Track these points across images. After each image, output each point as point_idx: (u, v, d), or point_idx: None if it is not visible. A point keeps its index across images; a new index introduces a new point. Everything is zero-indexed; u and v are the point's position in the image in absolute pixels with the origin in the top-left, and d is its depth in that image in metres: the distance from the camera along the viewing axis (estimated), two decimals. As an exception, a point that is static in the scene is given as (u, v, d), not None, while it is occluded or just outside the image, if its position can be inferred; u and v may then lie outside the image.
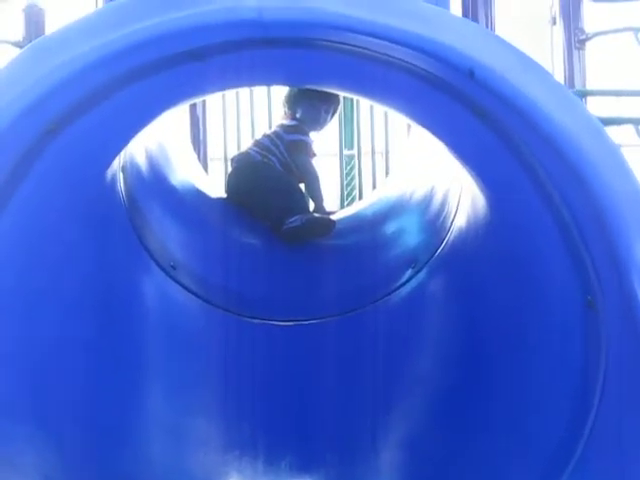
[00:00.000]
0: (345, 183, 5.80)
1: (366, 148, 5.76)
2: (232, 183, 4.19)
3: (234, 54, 2.31)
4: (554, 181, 2.27)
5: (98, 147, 2.69)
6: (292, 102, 4.27)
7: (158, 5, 2.11)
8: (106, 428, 2.83)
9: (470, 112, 2.34)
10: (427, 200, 3.70)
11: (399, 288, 3.62)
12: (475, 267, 3.20)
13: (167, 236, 3.63)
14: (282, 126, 4.30)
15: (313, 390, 3.39)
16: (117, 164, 3.10)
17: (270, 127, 4.79)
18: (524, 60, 2.18)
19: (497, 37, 2.31)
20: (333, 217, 4.14)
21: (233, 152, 4.98)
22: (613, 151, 2.16)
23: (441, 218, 3.50)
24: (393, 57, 2.22)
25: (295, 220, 3.88)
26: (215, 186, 4.41)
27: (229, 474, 3.19)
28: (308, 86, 3.51)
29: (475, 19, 3.77)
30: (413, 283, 3.58)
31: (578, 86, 4.50)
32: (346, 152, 5.85)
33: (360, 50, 2.23)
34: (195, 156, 4.73)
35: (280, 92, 4.47)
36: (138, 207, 3.42)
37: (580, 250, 2.27)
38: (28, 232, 2.47)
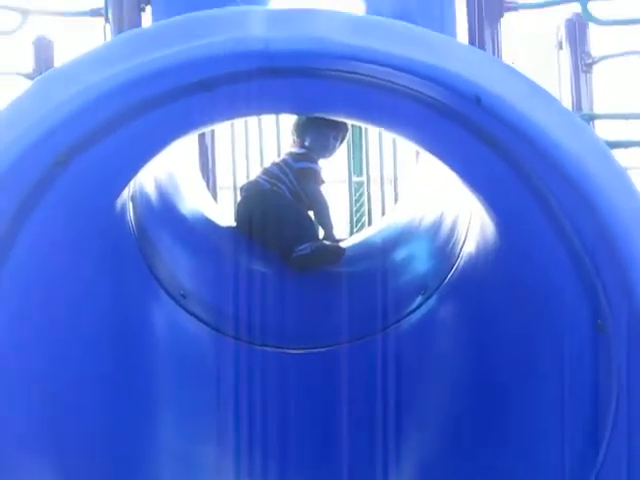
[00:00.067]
0: (354, 210, 5.80)
1: (375, 175, 5.77)
2: (241, 211, 4.20)
3: (242, 84, 2.33)
4: (562, 206, 2.28)
5: (108, 177, 2.70)
6: (300, 130, 4.28)
7: (165, 37, 2.13)
8: (119, 457, 2.83)
9: (478, 139, 2.34)
10: (436, 226, 3.70)
11: (409, 315, 3.61)
12: (485, 293, 3.20)
13: (177, 265, 3.63)
14: (291, 154, 4.31)
15: (324, 418, 3.39)
16: (126, 194, 3.11)
17: (279, 155, 4.80)
18: (531, 86, 2.18)
19: (503, 64, 2.32)
20: (342, 244, 4.14)
21: (242, 181, 5.00)
22: (621, 175, 2.16)
23: (450, 244, 3.51)
24: (399, 85, 2.23)
25: (305, 248, 3.89)
26: (224, 215, 4.43)
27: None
28: (316, 115, 3.53)
29: (482, 45, 3.78)
30: (423, 309, 3.58)
31: (586, 109, 4.50)
32: (355, 179, 5.86)
33: (366, 78, 2.23)
34: (204, 185, 4.74)
35: (288, 120, 4.48)
36: (148, 236, 3.43)
37: (590, 275, 2.27)
38: (40, 262, 2.47)
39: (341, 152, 4.80)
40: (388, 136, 5.52)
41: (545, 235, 2.43)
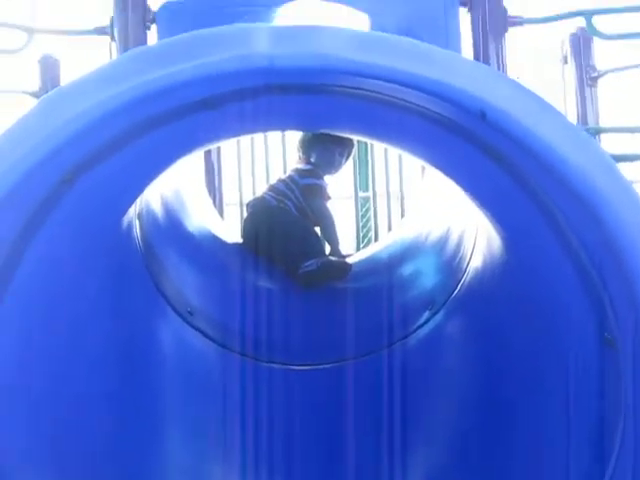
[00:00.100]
0: (360, 226, 5.80)
1: (381, 190, 5.77)
2: (248, 228, 4.21)
3: (248, 101, 2.33)
4: (569, 221, 2.27)
5: (114, 195, 2.70)
6: (306, 146, 4.29)
7: (170, 54, 2.13)
8: (125, 476, 2.83)
9: (484, 154, 2.34)
10: (443, 241, 3.70)
11: (417, 330, 3.61)
12: (492, 308, 3.19)
13: (184, 282, 3.63)
14: (297, 170, 4.31)
15: (331, 434, 3.38)
16: (133, 211, 3.11)
17: (285, 172, 4.81)
18: (536, 101, 2.18)
19: (508, 78, 2.31)
20: (349, 260, 4.15)
21: (248, 197, 5.00)
22: (627, 189, 2.15)
23: (457, 259, 3.50)
24: (404, 100, 2.23)
25: (311, 264, 3.89)
26: (231, 231, 4.43)
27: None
28: (322, 131, 3.53)
29: (486, 60, 3.78)
30: (430, 325, 3.58)
31: (591, 123, 4.50)
32: (361, 195, 5.87)
33: (372, 94, 2.23)
34: (210, 202, 4.75)
35: (294, 137, 4.49)
36: (154, 254, 3.43)
37: (597, 289, 2.26)
38: (46, 282, 2.47)
39: (347, 168, 4.80)
40: (394, 152, 5.52)
41: (551, 249, 2.43)
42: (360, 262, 4.15)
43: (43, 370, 2.51)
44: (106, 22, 3.93)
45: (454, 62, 2.21)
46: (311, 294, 3.89)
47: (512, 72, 3.96)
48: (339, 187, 5.14)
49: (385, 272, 3.99)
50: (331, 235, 4.26)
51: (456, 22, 3.76)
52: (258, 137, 5.62)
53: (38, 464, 2.47)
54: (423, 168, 4.59)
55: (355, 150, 4.59)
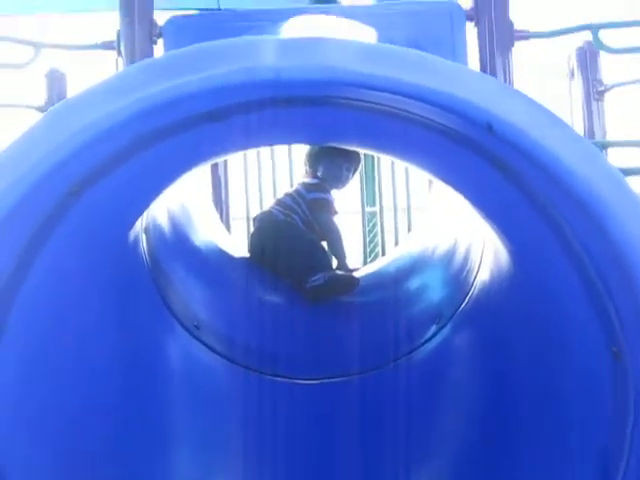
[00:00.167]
0: (367, 240, 5.80)
1: (388, 205, 5.77)
2: (255, 242, 4.21)
3: (254, 114, 2.33)
4: (576, 233, 2.26)
5: (121, 208, 2.70)
6: (313, 160, 4.29)
7: (176, 67, 2.13)
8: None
9: (492, 167, 2.33)
10: (450, 255, 3.70)
11: (424, 344, 3.60)
12: (499, 321, 3.18)
13: (191, 296, 3.63)
14: (304, 184, 4.31)
15: (337, 449, 3.36)
16: (139, 226, 3.11)
17: (292, 186, 4.81)
18: (543, 113, 2.17)
19: (515, 90, 2.31)
20: (356, 274, 4.14)
21: (255, 211, 5.00)
22: (634, 202, 2.15)
23: (464, 272, 3.50)
24: (411, 113, 2.23)
25: (318, 278, 3.88)
26: (238, 246, 4.43)
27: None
28: (328, 144, 3.54)
29: (493, 74, 3.78)
30: (438, 339, 3.56)
31: (598, 137, 4.50)
32: (368, 209, 5.87)
33: (378, 106, 2.23)
34: (217, 216, 4.75)
35: (301, 151, 4.49)
36: (161, 268, 3.43)
37: (604, 301, 2.25)
38: (52, 295, 2.47)
39: (354, 183, 4.81)
40: (400, 166, 5.53)
41: (558, 262, 2.42)
42: (367, 276, 4.15)
43: (48, 381, 2.50)
44: (113, 37, 3.95)
45: (461, 74, 2.21)
46: (318, 308, 3.88)
47: (519, 86, 3.96)
48: (346, 202, 5.13)
49: (392, 286, 3.99)
50: (338, 249, 4.26)
51: (463, 36, 3.77)
52: (265, 151, 5.63)
53: (40, 474, 2.46)
54: (430, 182, 4.59)
55: (362, 165, 4.59)
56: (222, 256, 4.06)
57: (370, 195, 5.93)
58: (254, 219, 4.39)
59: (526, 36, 4.03)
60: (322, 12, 3.86)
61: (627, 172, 4.07)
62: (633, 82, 4.71)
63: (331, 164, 4.26)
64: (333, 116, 2.40)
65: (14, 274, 2.18)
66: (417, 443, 3.28)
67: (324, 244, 4.23)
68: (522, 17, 4.15)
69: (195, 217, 4.00)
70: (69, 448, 2.58)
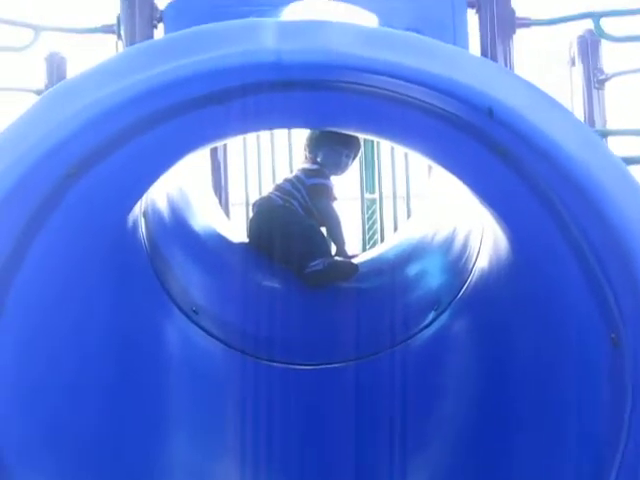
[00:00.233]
0: (367, 227, 5.79)
1: (387, 191, 5.76)
2: (254, 228, 4.20)
3: (254, 97, 2.32)
4: (575, 219, 2.26)
5: (119, 192, 2.70)
6: (313, 146, 4.28)
7: (176, 49, 2.12)
8: (127, 474, 2.82)
9: (491, 152, 2.32)
10: (449, 241, 3.69)
11: (422, 330, 3.60)
12: (498, 308, 3.18)
13: (189, 281, 3.63)
14: (303, 170, 4.31)
15: (333, 435, 3.37)
16: (138, 209, 3.11)
17: (291, 171, 4.80)
18: (544, 98, 2.17)
19: (516, 76, 2.30)
20: (355, 260, 4.13)
21: (254, 197, 5.00)
22: (633, 187, 2.14)
23: (463, 259, 3.49)
24: (411, 97, 2.22)
25: (317, 264, 3.88)
26: (237, 231, 4.42)
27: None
28: (328, 128, 3.53)
29: (494, 60, 3.77)
30: (436, 325, 3.56)
31: (598, 126, 4.49)
32: (367, 196, 5.85)
33: (379, 91, 2.22)
34: (216, 201, 4.74)
35: (301, 136, 4.48)
36: (160, 252, 3.42)
37: (603, 288, 2.25)
38: (50, 277, 2.47)
39: (353, 169, 4.80)
40: (400, 152, 5.52)
41: (558, 249, 2.41)
42: (366, 262, 4.14)
43: (45, 364, 2.51)
44: (113, 20, 3.93)
45: (462, 58, 2.20)
46: (317, 294, 3.88)
47: (519, 74, 3.95)
48: (345, 189, 5.12)
49: (391, 272, 3.99)
50: (337, 235, 4.26)
51: (464, 23, 3.75)
52: (264, 136, 5.62)
53: (36, 460, 2.46)
54: (430, 169, 4.58)
55: (361, 151, 4.59)
56: (221, 241, 4.06)
57: (370, 182, 5.92)
58: (253, 204, 4.39)
59: (527, 24, 4.02)
60: (323, -3, 3.85)
61: (627, 161, 4.05)
62: (634, 71, 4.70)
63: (331, 150, 4.25)
64: (333, 100, 2.40)
65: (12, 256, 2.17)
66: (413, 430, 3.29)
67: (323, 230, 4.23)
68: (523, 4, 4.14)
69: (194, 202, 4.00)
70: (64, 430, 2.59)
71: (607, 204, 2.12)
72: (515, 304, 3.00)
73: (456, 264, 3.55)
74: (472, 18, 3.86)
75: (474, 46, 3.86)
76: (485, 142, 2.29)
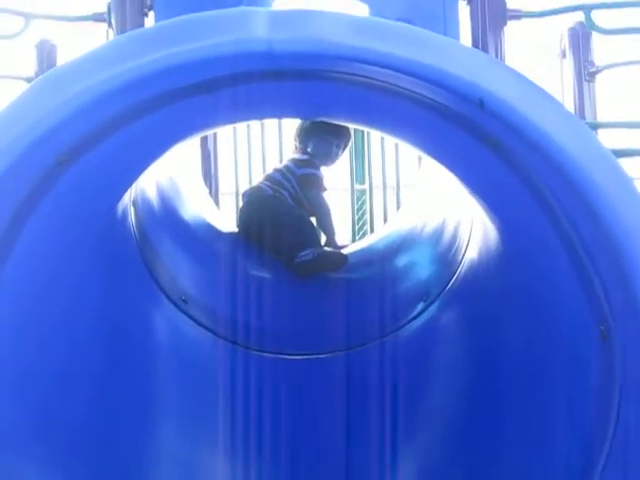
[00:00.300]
0: (356, 217, 5.79)
1: (377, 182, 5.76)
2: (243, 217, 4.20)
3: (244, 86, 2.31)
4: (565, 211, 2.26)
5: (109, 180, 2.69)
6: (303, 136, 4.27)
7: (166, 37, 2.12)
8: (117, 462, 2.82)
9: (482, 143, 2.32)
10: (438, 233, 3.70)
11: (411, 321, 3.60)
12: (487, 300, 3.19)
13: (178, 270, 3.63)
14: (293, 160, 4.30)
15: (322, 425, 3.37)
16: (128, 198, 3.10)
17: (281, 161, 4.80)
18: (535, 90, 2.17)
19: (507, 67, 2.30)
20: (344, 251, 4.13)
21: (244, 187, 4.99)
22: (625, 182, 2.14)
23: (453, 250, 3.49)
24: (402, 87, 2.22)
25: (307, 254, 3.88)
26: (226, 220, 4.42)
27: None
28: (319, 118, 3.52)
29: (485, 52, 3.77)
30: (425, 316, 3.57)
31: (589, 118, 4.49)
32: (357, 187, 5.85)
33: (369, 81, 2.22)
34: (206, 190, 4.74)
35: (291, 127, 4.48)
36: (149, 241, 3.42)
37: (593, 280, 2.25)
38: (39, 265, 2.46)
39: (343, 160, 4.79)
40: (390, 143, 5.52)
41: (548, 241, 2.42)
42: (355, 253, 4.14)
43: (34, 347, 2.50)
44: (103, 8, 3.92)
45: (452, 49, 2.20)
46: (306, 284, 3.88)
47: (510, 65, 3.94)
48: (335, 179, 5.12)
49: (380, 263, 3.98)
50: (327, 225, 4.26)
51: (455, 14, 3.75)
52: (255, 126, 5.61)
53: (25, 447, 2.46)
54: (420, 159, 4.58)
55: (352, 142, 4.58)
56: (210, 231, 4.06)
57: (360, 172, 5.91)
58: (243, 194, 4.38)
59: (518, 15, 4.02)
60: (314, -13, 3.84)
61: (618, 154, 4.06)
62: (624, 64, 4.70)
63: (321, 140, 4.24)
64: (324, 90, 2.39)
65: (1, 242, 2.17)
66: (403, 420, 3.29)
67: (313, 220, 4.23)
68: (515, -4, 4.13)
69: (184, 191, 4.00)
70: (54, 418, 2.59)
71: (597, 197, 2.12)
72: (505, 296, 3.00)
73: (445, 255, 3.56)
74: (463, 9, 3.86)
75: (465, 38, 3.85)
76: (476, 133, 2.29)
